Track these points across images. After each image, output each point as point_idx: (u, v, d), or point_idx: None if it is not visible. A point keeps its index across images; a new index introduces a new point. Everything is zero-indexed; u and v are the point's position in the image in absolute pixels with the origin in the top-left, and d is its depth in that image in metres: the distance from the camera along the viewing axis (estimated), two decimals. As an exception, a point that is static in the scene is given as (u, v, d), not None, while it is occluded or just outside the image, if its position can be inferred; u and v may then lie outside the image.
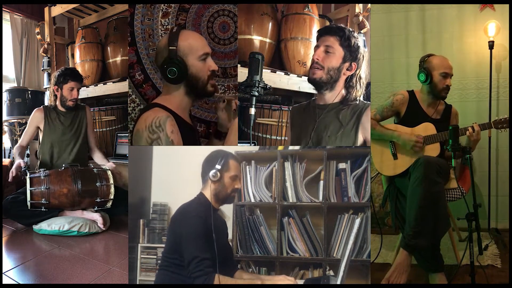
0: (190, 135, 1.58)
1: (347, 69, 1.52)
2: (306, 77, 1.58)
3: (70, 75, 2.75)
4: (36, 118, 2.80)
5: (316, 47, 1.55)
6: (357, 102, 1.54)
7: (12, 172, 2.55)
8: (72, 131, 2.83)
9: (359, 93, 1.54)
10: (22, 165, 2.57)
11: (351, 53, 1.50)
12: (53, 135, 2.79)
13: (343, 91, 1.55)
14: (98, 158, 2.93)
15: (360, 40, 1.53)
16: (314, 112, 1.58)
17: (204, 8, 2.27)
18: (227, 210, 1.96)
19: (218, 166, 1.43)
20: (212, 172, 1.42)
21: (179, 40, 1.47)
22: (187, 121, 1.56)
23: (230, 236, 1.91)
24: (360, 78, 1.54)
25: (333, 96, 1.55)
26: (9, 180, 2.59)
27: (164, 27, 2.24)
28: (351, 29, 1.54)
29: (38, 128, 2.83)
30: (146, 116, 1.42)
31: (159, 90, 2.18)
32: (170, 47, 1.45)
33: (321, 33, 1.56)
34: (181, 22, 2.25)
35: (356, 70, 1.52)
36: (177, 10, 2.25)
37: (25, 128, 2.91)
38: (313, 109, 1.60)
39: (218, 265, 1.35)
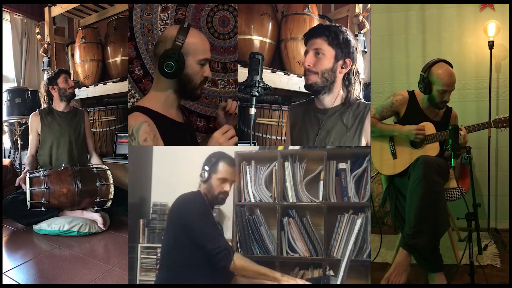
0: (179, 132, 1.54)
1: (342, 67, 1.45)
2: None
3: (59, 70, 2.88)
4: (33, 122, 2.82)
5: (306, 52, 1.47)
6: (359, 102, 1.49)
7: (19, 181, 2.58)
8: (70, 133, 2.83)
9: (358, 90, 1.49)
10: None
11: (343, 50, 1.43)
12: (50, 137, 2.80)
13: (342, 92, 1.49)
14: (95, 163, 2.93)
15: (349, 33, 1.45)
16: (316, 117, 1.53)
17: (203, 3, 2.26)
18: (227, 210, 1.97)
19: (206, 167, 1.48)
20: (200, 172, 1.49)
21: (188, 37, 1.42)
22: (173, 119, 1.51)
23: (230, 236, 1.92)
24: (357, 73, 1.48)
25: (333, 98, 1.49)
26: (16, 184, 2.61)
27: (164, 21, 2.23)
28: (337, 25, 1.46)
29: (38, 132, 2.83)
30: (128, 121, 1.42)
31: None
32: (176, 41, 1.40)
33: (307, 37, 1.47)
34: (180, 17, 2.23)
35: (352, 66, 1.46)
36: (177, 5, 2.24)
37: (25, 128, 2.92)
38: (314, 113, 1.54)
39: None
